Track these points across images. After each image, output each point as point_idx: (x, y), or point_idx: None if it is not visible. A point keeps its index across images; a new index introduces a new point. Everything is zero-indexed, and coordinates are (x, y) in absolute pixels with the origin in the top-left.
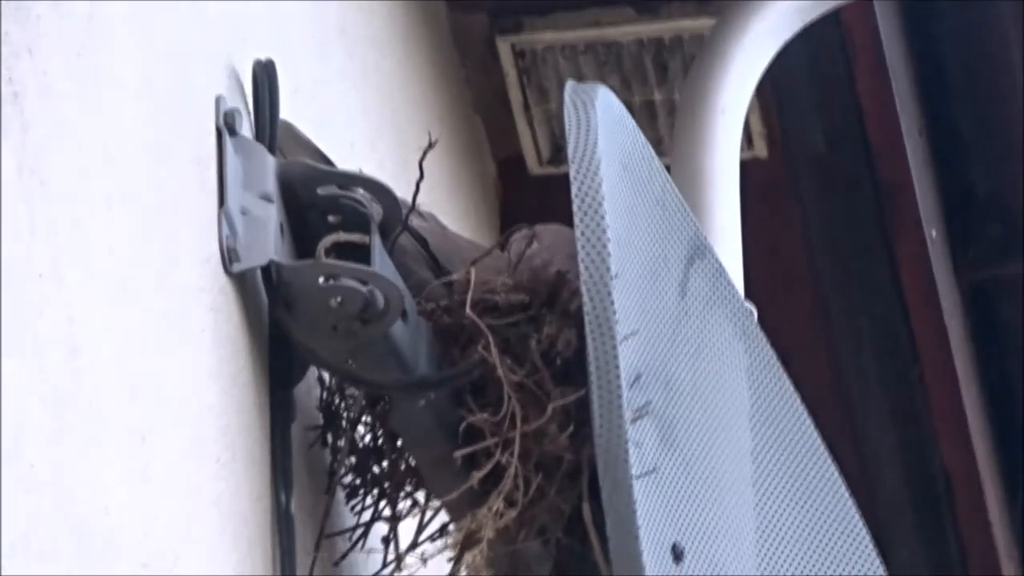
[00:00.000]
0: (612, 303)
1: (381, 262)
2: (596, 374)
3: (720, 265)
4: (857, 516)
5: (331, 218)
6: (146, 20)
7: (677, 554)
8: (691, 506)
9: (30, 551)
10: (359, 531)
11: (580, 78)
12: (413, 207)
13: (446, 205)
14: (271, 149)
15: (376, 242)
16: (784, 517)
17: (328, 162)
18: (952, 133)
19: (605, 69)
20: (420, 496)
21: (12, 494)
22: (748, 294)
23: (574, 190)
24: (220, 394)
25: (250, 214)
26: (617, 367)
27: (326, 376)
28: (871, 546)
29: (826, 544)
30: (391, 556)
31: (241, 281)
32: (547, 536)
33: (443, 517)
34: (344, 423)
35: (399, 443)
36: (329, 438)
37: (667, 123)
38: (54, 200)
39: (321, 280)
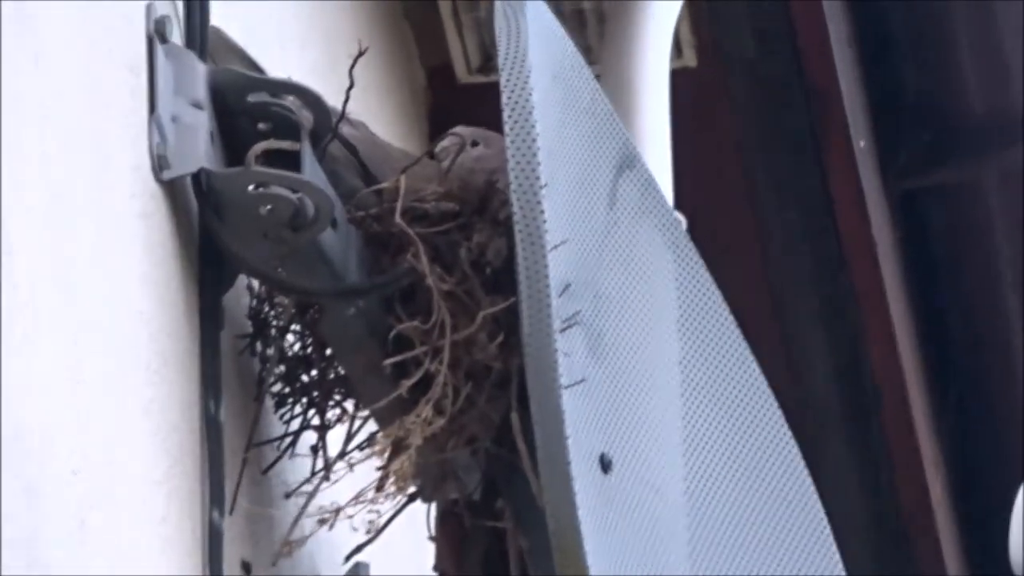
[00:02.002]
0: (542, 212)
1: (311, 170)
2: (525, 283)
3: (650, 175)
4: (784, 425)
5: (261, 125)
6: None
7: (605, 464)
8: (619, 417)
9: None
10: (288, 439)
11: None
12: (343, 115)
13: (376, 112)
14: (202, 56)
15: (306, 150)
16: (711, 426)
17: (259, 69)
18: (882, 37)
19: None
20: (349, 405)
21: None
22: (679, 202)
23: (504, 99)
24: (151, 300)
25: (181, 121)
26: (546, 276)
27: (256, 284)
28: (798, 454)
29: (752, 452)
30: (320, 464)
31: (171, 188)
32: (476, 445)
33: (372, 426)
34: (273, 331)
35: (328, 352)
36: (258, 346)
37: (596, 31)
38: None
39: (251, 188)
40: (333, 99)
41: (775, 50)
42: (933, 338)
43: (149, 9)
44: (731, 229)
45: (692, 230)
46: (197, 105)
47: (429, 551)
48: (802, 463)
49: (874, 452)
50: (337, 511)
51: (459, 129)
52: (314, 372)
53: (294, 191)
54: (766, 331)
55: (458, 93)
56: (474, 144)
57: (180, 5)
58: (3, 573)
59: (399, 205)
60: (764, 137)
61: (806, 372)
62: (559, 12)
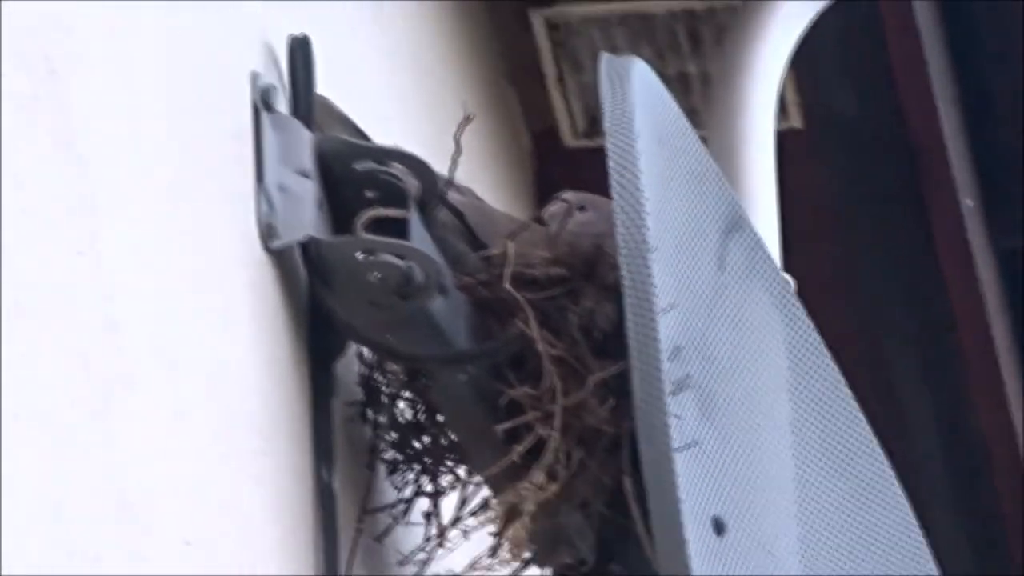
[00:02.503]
0: (650, 276)
1: (419, 237)
2: (635, 347)
3: (758, 237)
4: (897, 487)
5: (368, 193)
6: None
7: (719, 527)
8: (732, 479)
9: (72, 525)
10: (401, 506)
11: (614, 50)
12: (450, 181)
13: (481, 178)
14: (308, 125)
15: (414, 217)
16: (824, 487)
17: (364, 137)
18: (984, 93)
19: (639, 41)
20: (461, 471)
21: (53, 469)
22: (785, 264)
23: (610, 163)
24: (259, 370)
25: (288, 190)
26: (656, 340)
27: (366, 351)
28: (912, 516)
29: (866, 514)
30: (433, 531)
31: (280, 257)
32: (589, 510)
33: (485, 492)
34: (384, 398)
35: (440, 418)
36: (369, 413)
37: (701, 94)
38: (91, 177)
39: (359, 255)
40: (439, 165)
41: (877, 109)
42: None
43: (254, 78)
44: (835, 290)
45: (797, 292)
46: (304, 173)
47: None
48: (917, 526)
49: (984, 514)
50: None
51: (565, 194)
52: (426, 438)
53: (402, 258)
54: (871, 392)
55: (564, 157)
56: (581, 209)
57: (285, 74)
58: None
59: (507, 271)
60: (867, 197)
61: (913, 434)
62: (664, 75)
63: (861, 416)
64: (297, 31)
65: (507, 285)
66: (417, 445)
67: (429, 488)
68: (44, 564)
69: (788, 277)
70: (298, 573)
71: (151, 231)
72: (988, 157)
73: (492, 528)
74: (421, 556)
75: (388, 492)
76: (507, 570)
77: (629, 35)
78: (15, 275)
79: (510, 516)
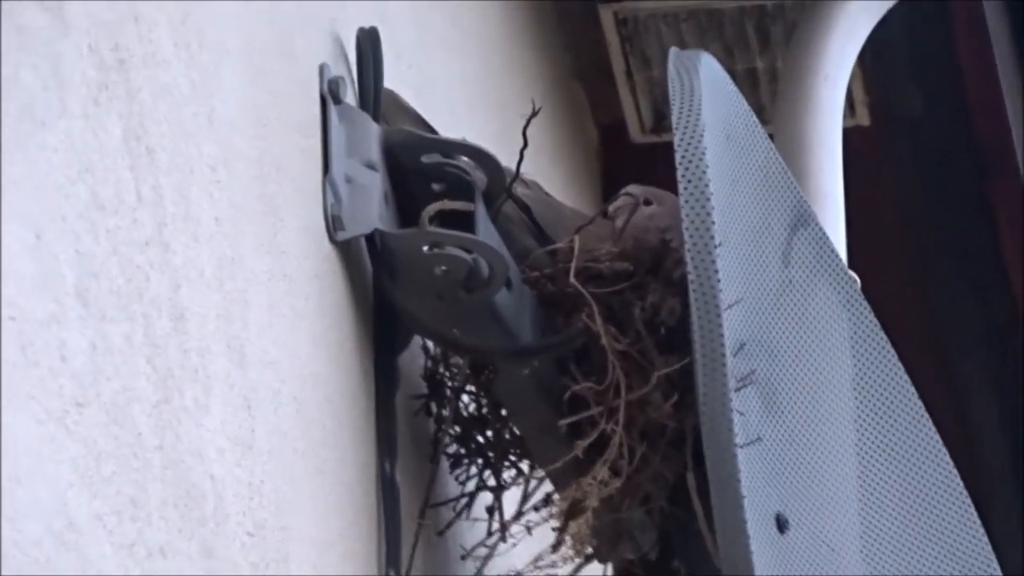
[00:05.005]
0: (716, 271)
1: (485, 230)
2: (700, 343)
3: (823, 233)
4: (960, 485)
5: (435, 186)
6: None
7: (781, 524)
8: (795, 475)
9: (138, 518)
10: (463, 500)
11: (682, 46)
12: (517, 175)
13: (548, 172)
14: (375, 117)
15: (480, 210)
16: (887, 485)
17: (431, 130)
18: None
19: (707, 36)
20: (524, 465)
21: (120, 461)
22: (850, 261)
23: (678, 158)
24: (325, 362)
25: (354, 182)
26: (721, 336)
27: (430, 344)
28: (975, 514)
29: (929, 511)
30: (495, 525)
31: (345, 249)
32: (651, 505)
33: (547, 487)
34: (448, 392)
35: (503, 412)
36: (433, 407)
37: (769, 91)
38: (160, 167)
39: (426, 248)
40: (506, 160)
41: (944, 107)
42: None
43: (322, 70)
44: (900, 289)
45: (862, 289)
46: (371, 166)
47: None
48: (979, 524)
49: None
50: None
51: (631, 188)
52: (489, 432)
53: (468, 251)
54: (934, 392)
55: (631, 152)
56: (646, 203)
57: (353, 66)
58: None
59: (573, 265)
60: (933, 195)
61: (976, 433)
62: (731, 71)
63: (925, 414)
64: (364, 22)
65: (572, 279)
66: (480, 439)
67: (492, 482)
68: (111, 557)
69: (853, 274)
70: (360, 566)
71: (218, 222)
72: None
73: (554, 523)
74: (483, 550)
75: (451, 486)
76: (569, 565)
77: (697, 31)
78: (83, 265)
79: (573, 511)
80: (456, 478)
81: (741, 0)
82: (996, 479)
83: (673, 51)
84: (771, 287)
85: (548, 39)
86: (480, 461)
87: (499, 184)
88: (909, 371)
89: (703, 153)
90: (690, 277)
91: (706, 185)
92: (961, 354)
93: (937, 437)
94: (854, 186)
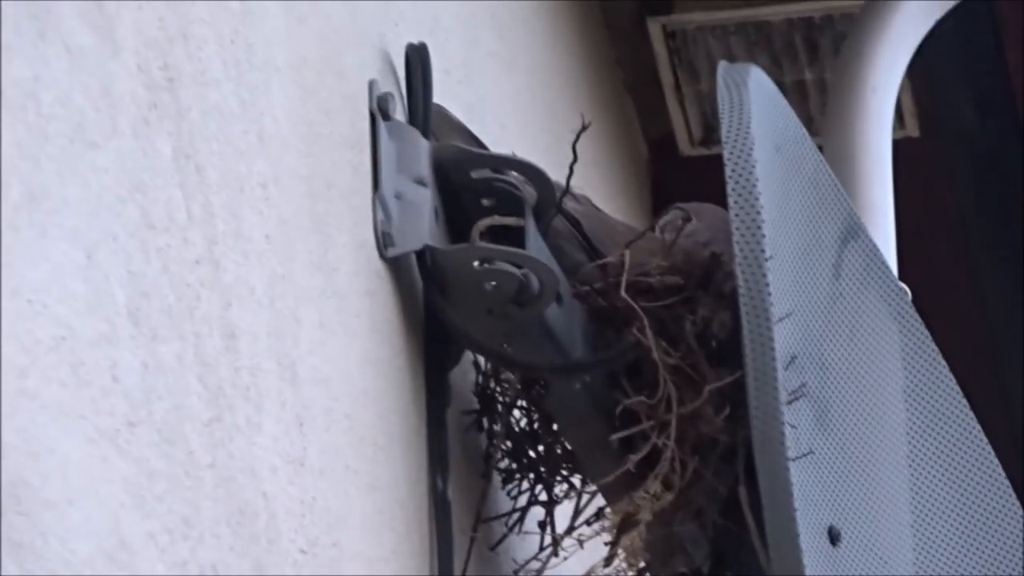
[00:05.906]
0: (767, 285)
1: (536, 245)
2: (751, 356)
3: (874, 245)
4: (1013, 497)
5: (485, 201)
6: (298, 4)
7: (833, 536)
8: (846, 488)
9: (190, 536)
10: (515, 515)
11: (730, 58)
12: (567, 189)
13: (598, 186)
14: (424, 133)
15: (530, 225)
16: (939, 497)
17: (481, 145)
18: None
19: (755, 49)
20: (576, 480)
21: (171, 479)
22: (900, 273)
23: (728, 172)
24: (376, 378)
25: (404, 198)
26: (772, 349)
27: (481, 360)
28: None
29: (982, 524)
30: (547, 540)
31: (396, 265)
32: (703, 519)
33: (599, 501)
34: (500, 407)
35: (555, 427)
36: (485, 422)
37: (818, 102)
38: (209, 186)
39: (476, 264)
40: (555, 174)
41: (994, 118)
42: None
43: (371, 86)
44: (950, 301)
45: (914, 301)
46: (421, 182)
47: None
48: None
49: None
50: None
51: (679, 205)
52: (541, 447)
53: (519, 267)
54: (986, 404)
55: (681, 166)
56: (686, 220)
57: (402, 82)
58: None
59: (624, 279)
60: (983, 207)
61: None
62: (780, 83)
63: (977, 425)
64: (414, 38)
65: (623, 293)
66: (532, 454)
67: (543, 497)
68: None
69: (904, 286)
70: None
71: (268, 240)
72: None
73: (607, 537)
74: (535, 565)
75: (503, 501)
76: None
77: (745, 43)
78: (134, 284)
79: (625, 525)
80: (508, 493)
81: (789, 12)
82: None
83: (722, 64)
84: (822, 300)
85: (597, 53)
86: (532, 476)
87: (549, 199)
88: (960, 383)
89: (753, 166)
90: (741, 290)
91: (756, 198)
92: (1013, 366)
93: (989, 449)
94: (904, 197)
